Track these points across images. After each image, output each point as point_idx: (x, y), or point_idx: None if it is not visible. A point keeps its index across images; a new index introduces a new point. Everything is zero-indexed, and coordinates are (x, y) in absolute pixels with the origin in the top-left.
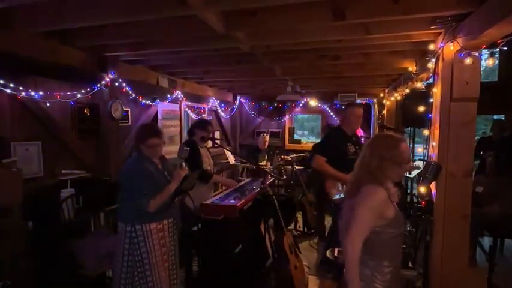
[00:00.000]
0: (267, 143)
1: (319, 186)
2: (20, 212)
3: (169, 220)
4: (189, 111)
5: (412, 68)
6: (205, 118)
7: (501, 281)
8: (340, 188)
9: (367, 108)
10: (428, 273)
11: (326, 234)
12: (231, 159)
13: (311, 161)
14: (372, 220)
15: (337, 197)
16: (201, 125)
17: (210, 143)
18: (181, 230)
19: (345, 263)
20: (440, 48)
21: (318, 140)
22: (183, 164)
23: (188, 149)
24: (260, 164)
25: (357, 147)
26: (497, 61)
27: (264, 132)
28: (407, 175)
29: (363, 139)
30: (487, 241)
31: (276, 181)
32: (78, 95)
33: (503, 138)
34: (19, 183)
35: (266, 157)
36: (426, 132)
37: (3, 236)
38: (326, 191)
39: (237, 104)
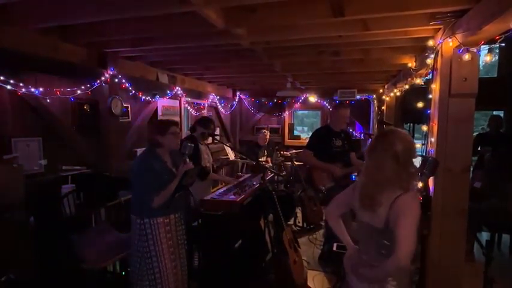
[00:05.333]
0: (267, 140)
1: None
2: (21, 207)
3: (176, 215)
4: (188, 108)
5: (411, 64)
6: (206, 115)
7: (498, 275)
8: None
9: (367, 104)
10: (425, 268)
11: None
12: (231, 155)
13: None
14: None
15: (327, 186)
16: (202, 122)
17: (209, 139)
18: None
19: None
20: (439, 44)
21: None
22: (187, 159)
23: (192, 145)
24: (260, 160)
25: (345, 141)
26: (496, 57)
27: (264, 129)
28: None
29: (362, 135)
30: (484, 236)
31: (276, 177)
32: (78, 91)
33: (499, 134)
34: (20, 179)
35: (266, 153)
36: (424, 128)
37: (5, 231)
38: (313, 181)
39: (236, 100)
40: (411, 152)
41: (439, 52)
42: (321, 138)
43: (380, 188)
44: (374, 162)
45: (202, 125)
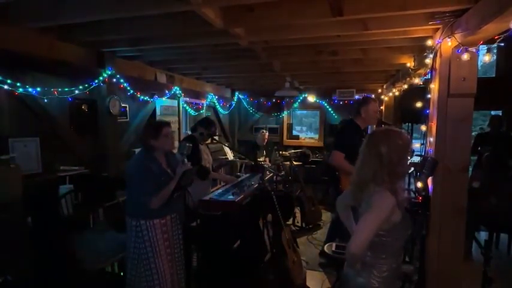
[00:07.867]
0: (266, 140)
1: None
2: (19, 207)
3: (172, 215)
4: (187, 107)
5: (410, 63)
6: (208, 116)
7: (496, 274)
8: None
9: None
10: (424, 267)
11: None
12: (230, 155)
13: (329, 157)
14: (380, 225)
15: None
16: (204, 123)
17: (208, 139)
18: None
19: (347, 260)
20: (438, 44)
21: (317, 136)
22: (185, 160)
23: (191, 145)
24: (259, 160)
25: None
26: (495, 57)
27: (263, 129)
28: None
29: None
30: (483, 235)
31: (275, 177)
32: (76, 91)
33: (500, 133)
34: (18, 179)
35: (265, 153)
36: (423, 128)
37: (3, 232)
38: (340, 183)
39: (235, 100)
40: (399, 153)
41: (438, 52)
42: (353, 137)
43: (363, 185)
44: (361, 161)
45: (203, 125)
